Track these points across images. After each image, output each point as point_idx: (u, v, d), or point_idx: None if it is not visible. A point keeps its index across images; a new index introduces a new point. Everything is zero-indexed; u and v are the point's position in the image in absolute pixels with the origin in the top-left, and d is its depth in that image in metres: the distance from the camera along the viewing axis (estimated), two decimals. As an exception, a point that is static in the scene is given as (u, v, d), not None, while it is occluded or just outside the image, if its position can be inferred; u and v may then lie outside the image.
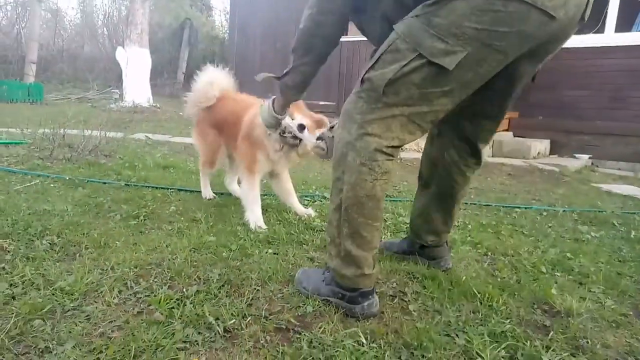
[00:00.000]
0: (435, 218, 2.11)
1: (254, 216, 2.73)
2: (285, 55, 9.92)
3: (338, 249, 1.69)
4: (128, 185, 3.54)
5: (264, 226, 2.68)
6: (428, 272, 2.09)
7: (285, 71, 2.00)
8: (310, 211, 3.01)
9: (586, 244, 2.76)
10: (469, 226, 2.98)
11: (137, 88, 10.52)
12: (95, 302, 1.69)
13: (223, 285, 1.87)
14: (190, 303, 1.70)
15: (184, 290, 1.80)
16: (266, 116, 2.42)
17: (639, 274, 2.32)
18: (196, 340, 1.47)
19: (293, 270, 2.05)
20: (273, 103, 2.38)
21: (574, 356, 1.54)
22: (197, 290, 1.80)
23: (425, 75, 1.47)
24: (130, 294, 1.76)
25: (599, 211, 3.59)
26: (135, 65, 10.54)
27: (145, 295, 1.76)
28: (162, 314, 1.61)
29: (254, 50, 10.24)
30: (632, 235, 2.95)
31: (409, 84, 1.49)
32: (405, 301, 1.87)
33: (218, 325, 1.56)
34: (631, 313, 1.89)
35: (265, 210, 3.07)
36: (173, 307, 1.66)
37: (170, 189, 3.53)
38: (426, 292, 1.95)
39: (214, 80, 3.19)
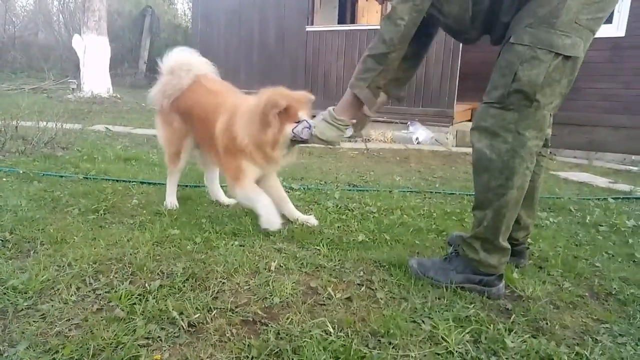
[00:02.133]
0: (522, 213, 2.12)
1: (265, 210, 2.44)
2: (250, 43, 9.81)
3: (486, 244, 1.87)
4: (87, 178, 3.40)
5: (278, 225, 2.42)
6: (395, 260, 2.11)
7: (370, 77, 2.00)
8: (312, 219, 2.67)
9: (545, 230, 2.86)
10: (434, 214, 3.03)
11: (95, 78, 10.11)
12: (51, 300, 1.62)
13: (187, 279, 1.82)
14: (153, 298, 1.65)
15: (146, 285, 1.75)
16: (331, 133, 2.17)
17: (593, 256, 2.42)
18: (159, 336, 1.43)
19: (259, 262, 2.03)
20: (334, 115, 2.14)
21: (535, 337, 1.59)
22: (160, 285, 1.75)
23: (561, 70, 1.71)
24: (89, 291, 1.70)
25: (557, 198, 3.72)
26: (94, 54, 10.12)
27: (105, 292, 1.69)
28: (122, 310, 1.56)
29: (218, 38, 10.02)
30: (587, 220, 3.08)
31: (553, 82, 1.72)
32: (373, 289, 1.88)
33: (182, 319, 1.52)
34: (587, 294, 1.97)
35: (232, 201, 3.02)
36: (135, 303, 1.61)
37: (132, 181, 3.42)
38: (393, 279, 1.97)
39: (188, 66, 2.77)
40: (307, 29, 8.39)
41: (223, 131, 2.51)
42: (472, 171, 1.93)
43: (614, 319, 1.76)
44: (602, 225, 2.97)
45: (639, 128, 6.75)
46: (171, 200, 2.92)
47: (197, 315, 1.56)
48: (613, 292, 1.99)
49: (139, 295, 1.67)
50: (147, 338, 1.42)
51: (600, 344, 1.57)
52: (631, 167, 6.22)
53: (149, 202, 2.89)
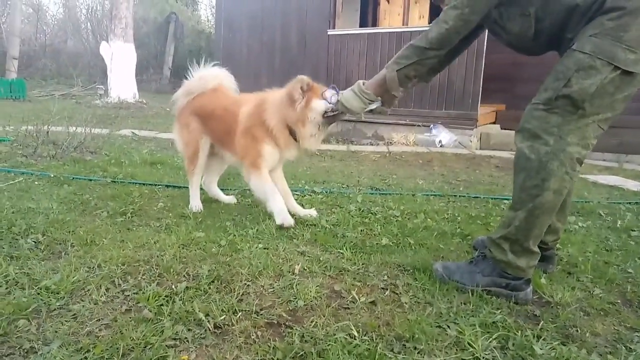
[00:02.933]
0: (554, 217, 2.11)
1: (279, 206, 2.59)
2: (271, 48, 9.88)
3: (515, 246, 1.85)
4: (114, 182, 3.48)
5: (292, 220, 2.56)
6: (419, 264, 2.09)
7: (404, 64, 2.04)
8: (313, 212, 2.85)
9: (574, 234, 2.79)
10: (459, 218, 2.99)
11: (122, 83, 10.37)
12: (82, 300, 1.66)
13: (213, 281, 1.85)
14: (180, 300, 1.68)
15: (173, 286, 1.78)
16: (355, 102, 2.24)
17: (625, 262, 2.34)
18: (186, 337, 1.46)
19: (283, 265, 2.04)
20: (362, 87, 2.21)
21: (564, 345, 1.55)
22: (187, 287, 1.78)
23: (617, 84, 1.69)
24: (118, 292, 1.74)
25: (585, 202, 3.62)
26: (120, 60, 10.38)
27: (134, 293, 1.73)
28: (150, 311, 1.59)
29: (240, 44, 10.14)
30: (618, 225, 2.99)
31: (605, 94, 1.70)
32: (397, 293, 1.86)
33: (208, 321, 1.54)
34: (619, 301, 1.91)
35: (256, 205, 3.05)
36: (162, 304, 1.64)
37: (158, 185, 3.48)
38: (417, 284, 1.95)
39: (216, 75, 3.02)
40: (328, 33, 8.41)
41: (248, 115, 2.68)
42: (513, 170, 1.93)
43: (648, 327, 1.71)
44: (634, 230, 2.88)
45: (671, 129, 6.53)
46: (196, 203, 2.96)
47: (222, 317, 1.58)
48: (647, 299, 1.93)
49: (166, 296, 1.70)
50: (175, 339, 1.45)
51: (634, 352, 1.52)
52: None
53: (174, 205, 2.94)
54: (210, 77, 2.97)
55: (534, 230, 1.82)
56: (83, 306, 1.61)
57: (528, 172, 1.81)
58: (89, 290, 1.72)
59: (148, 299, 1.66)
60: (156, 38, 18.41)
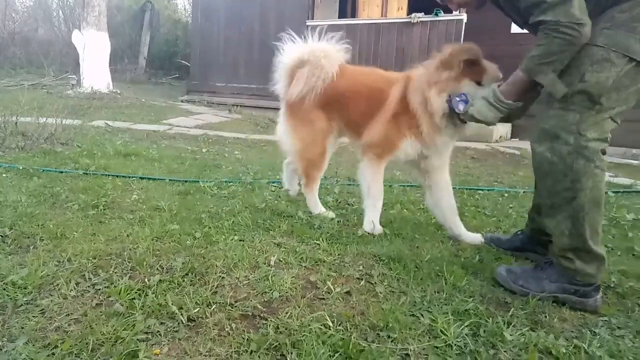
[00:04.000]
0: None
1: (374, 212, 2.43)
2: (250, 38, 9.76)
3: (580, 253, 1.78)
4: (86, 174, 3.40)
5: (380, 229, 2.42)
6: (394, 254, 2.11)
7: (554, 59, 1.74)
8: (479, 237, 2.43)
9: (545, 223, 2.85)
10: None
11: (95, 73, 10.08)
12: (50, 295, 1.62)
13: (187, 274, 1.82)
14: (153, 293, 1.65)
15: (146, 280, 1.75)
16: (490, 114, 1.95)
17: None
18: (158, 331, 1.44)
19: (259, 256, 2.03)
20: (498, 96, 1.91)
21: (533, 330, 1.59)
22: (160, 280, 1.75)
23: (633, 76, 1.66)
24: (89, 286, 1.70)
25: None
26: (93, 49, 10.08)
27: (105, 287, 1.70)
28: (122, 305, 1.56)
29: (218, 34, 9.99)
30: (587, 214, 3.07)
31: (621, 87, 1.67)
32: (372, 283, 1.88)
33: (181, 314, 1.53)
34: (586, 287, 1.97)
35: (232, 196, 3.03)
36: (134, 298, 1.61)
37: (132, 177, 3.42)
38: (392, 273, 1.97)
39: (326, 53, 2.51)
40: (307, 23, 8.35)
41: (398, 100, 2.33)
42: (535, 176, 1.87)
43: (613, 312, 1.76)
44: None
45: (639, 121, 6.73)
46: (319, 208, 2.71)
47: (196, 310, 1.56)
48: (612, 285, 1.99)
49: (139, 290, 1.67)
50: (147, 332, 1.43)
51: (598, 336, 1.57)
52: (632, 161, 6.21)
53: (149, 198, 2.89)
54: (324, 60, 2.48)
55: (586, 232, 1.74)
56: (52, 301, 1.57)
57: (554, 175, 1.75)
58: (58, 284, 1.68)
59: (120, 293, 1.63)
60: (131, 27, 17.94)
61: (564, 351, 1.46)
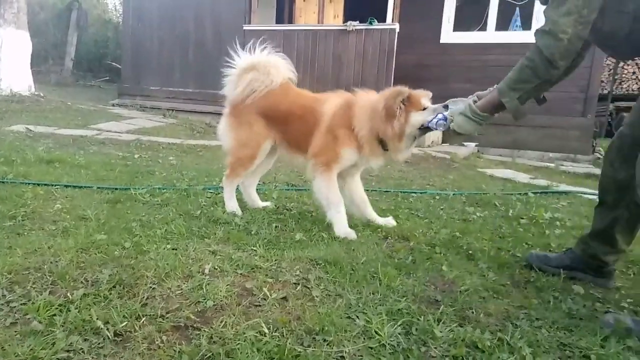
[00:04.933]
0: (619, 238, 2.10)
1: (340, 217, 2.52)
2: (185, 41, 9.50)
3: None
4: (3, 182, 3.14)
5: (354, 234, 2.49)
6: (330, 257, 2.13)
7: (522, 88, 1.95)
8: (391, 220, 2.77)
9: (473, 224, 3.01)
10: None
11: (14, 74, 9.35)
12: (-44, 316, 1.47)
13: (114, 286, 1.73)
14: (76, 308, 1.55)
15: (69, 294, 1.64)
16: (469, 126, 2.13)
17: (515, 247, 2.58)
18: (81, 348, 1.35)
19: (193, 265, 1.97)
20: (475, 110, 2.09)
21: (462, 326, 1.67)
22: (84, 294, 1.65)
23: None
24: (2, 304, 1.57)
25: (483, 193, 3.94)
26: (12, 49, 9.35)
27: (21, 304, 1.57)
28: (40, 322, 1.45)
29: (151, 36, 9.64)
30: (510, 214, 3.28)
31: None
32: (309, 287, 1.88)
33: (107, 329, 1.45)
34: (509, 283, 2.10)
35: (166, 204, 2.93)
36: (54, 314, 1.51)
37: (56, 185, 3.20)
38: (329, 277, 1.98)
39: (277, 66, 2.73)
40: (244, 28, 8.28)
41: (333, 114, 2.53)
42: None
43: (532, 304, 1.89)
44: (523, 218, 3.18)
45: (555, 127, 7.31)
46: (233, 202, 2.86)
47: (124, 324, 1.49)
48: (531, 280, 2.14)
49: (60, 305, 1.56)
50: (68, 351, 1.34)
51: (519, 328, 1.67)
52: (548, 164, 6.72)
53: (74, 207, 2.73)
54: (273, 70, 2.69)
55: None
56: (-42, 322, 1.43)
57: None
58: (-34, 304, 1.54)
59: (38, 310, 1.52)
60: (56, 26, 16.86)
61: (489, 344, 1.54)
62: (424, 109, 2.40)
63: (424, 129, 2.41)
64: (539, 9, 7.21)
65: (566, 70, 2.00)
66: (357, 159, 2.57)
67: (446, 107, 2.31)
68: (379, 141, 2.46)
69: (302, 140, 2.65)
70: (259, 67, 2.68)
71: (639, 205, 1.98)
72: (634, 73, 10.53)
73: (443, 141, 7.83)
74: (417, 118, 2.39)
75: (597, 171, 6.41)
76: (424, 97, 2.43)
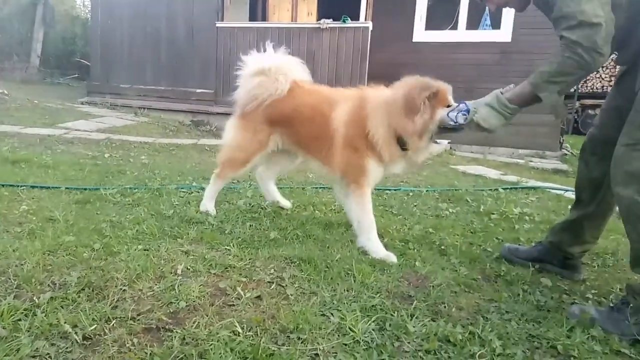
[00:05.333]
0: (587, 233, 2.16)
1: (373, 244, 2.30)
2: (157, 38, 9.34)
3: None
4: (-36, 184, 3.02)
5: (394, 258, 2.24)
6: (305, 255, 2.13)
7: (564, 81, 1.80)
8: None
9: (445, 220, 3.06)
10: (344, 209, 3.11)
11: (-23, 72, 9.03)
12: None
13: (83, 289, 1.69)
14: (42, 312, 1.51)
15: (35, 298, 1.59)
16: (495, 121, 1.94)
17: (486, 242, 2.63)
18: (48, 353, 1.32)
19: (165, 266, 1.94)
20: (504, 102, 1.91)
21: (434, 320, 1.69)
22: (51, 297, 1.61)
23: None
24: (-37, 311, 1.51)
25: (455, 189, 4.00)
26: (-27, 44, 9.02)
27: (-16, 309, 1.51)
28: (4, 328, 1.41)
29: (121, 33, 9.41)
30: (481, 209, 3.35)
31: None
32: (283, 286, 1.88)
33: (76, 332, 1.41)
34: (480, 277, 2.15)
35: (137, 204, 2.87)
36: (19, 319, 1.46)
37: (21, 186, 3.10)
38: (303, 275, 1.98)
39: (286, 69, 2.58)
40: (217, 25, 8.19)
41: (346, 123, 2.30)
42: (623, 221, 1.78)
43: (502, 298, 1.93)
44: (493, 214, 3.25)
45: (523, 124, 7.47)
46: (210, 204, 2.79)
47: (93, 327, 1.45)
48: (502, 274, 2.18)
49: (25, 310, 1.51)
50: (34, 357, 1.30)
51: (490, 321, 1.71)
52: (518, 160, 6.89)
53: (41, 208, 2.64)
54: (281, 76, 2.53)
55: None
56: None
57: None
58: None
59: (2, 315, 1.46)
60: (20, 22, 16.28)
61: (461, 338, 1.57)
62: (449, 105, 2.16)
63: (443, 128, 2.16)
64: (507, 9, 7.37)
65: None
66: (384, 169, 2.36)
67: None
68: (397, 140, 2.23)
69: (311, 143, 2.51)
70: (267, 72, 2.56)
71: (608, 203, 2.05)
72: (597, 72, 10.88)
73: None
74: (443, 114, 2.13)
75: (565, 167, 6.64)
76: (449, 92, 2.18)
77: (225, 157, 2.75)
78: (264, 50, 2.68)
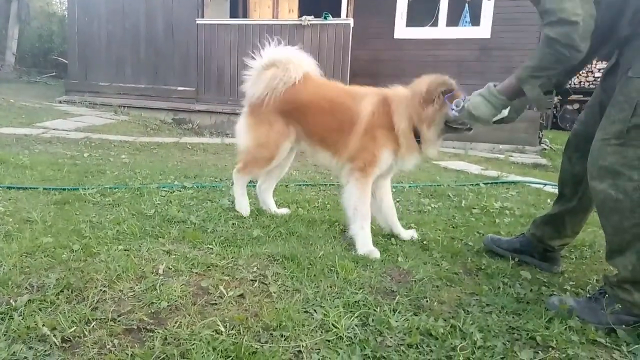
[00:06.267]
0: (568, 227, 2.20)
1: (364, 235, 2.34)
2: (136, 35, 9.20)
3: (638, 286, 1.72)
4: (-64, 185, 2.94)
5: (378, 253, 2.27)
6: (288, 253, 2.13)
7: (543, 75, 1.83)
8: (413, 233, 2.60)
9: (428, 215, 3.09)
10: (328, 206, 3.12)
11: (-51, 70, 8.77)
12: None
13: (62, 291, 1.66)
14: (19, 315, 1.48)
15: (11, 301, 1.56)
16: (485, 109, 1.99)
17: (467, 237, 2.67)
18: (25, 357, 1.29)
19: (146, 266, 1.92)
20: (493, 91, 1.97)
21: (416, 315, 1.71)
22: (29, 300, 1.58)
23: None
24: (-64, 316, 1.47)
25: (437, 185, 4.05)
26: (-55, 42, 8.77)
27: (-42, 314, 1.48)
28: (-21, 333, 1.37)
29: (99, 30, 9.24)
30: (463, 204, 3.39)
31: None
32: (266, 284, 1.88)
33: (54, 335, 1.39)
34: (461, 271, 2.18)
35: (117, 204, 2.83)
36: (-5, 323, 1.43)
37: (-4, 187, 3.03)
38: (286, 272, 1.98)
39: (297, 61, 2.59)
40: (197, 22, 8.10)
41: (371, 113, 2.37)
42: (598, 214, 1.82)
43: (483, 291, 1.96)
44: (475, 208, 3.29)
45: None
46: (244, 202, 2.81)
47: (72, 329, 1.43)
48: (482, 267, 2.22)
49: (2, 313, 1.48)
50: (11, 361, 1.27)
51: (471, 314, 1.74)
52: (499, 155, 6.99)
53: (18, 209, 2.59)
54: (292, 66, 2.54)
55: None
56: None
57: (621, 213, 1.71)
58: None
59: (-24, 320, 1.43)
60: (-6, 19, 15.87)
61: (442, 331, 1.59)
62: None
63: (450, 127, 2.30)
64: (486, 6, 7.46)
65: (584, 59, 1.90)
66: (394, 161, 2.43)
67: None
68: (414, 131, 2.34)
69: (328, 135, 2.52)
70: (278, 64, 2.57)
71: (590, 198, 2.08)
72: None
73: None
74: (449, 109, 2.24)
75: (544, 161, 6.76)
76: (462, 97, 2.27)
77: (249, 157, 2.70)
78: (261, 47, 2.69)
